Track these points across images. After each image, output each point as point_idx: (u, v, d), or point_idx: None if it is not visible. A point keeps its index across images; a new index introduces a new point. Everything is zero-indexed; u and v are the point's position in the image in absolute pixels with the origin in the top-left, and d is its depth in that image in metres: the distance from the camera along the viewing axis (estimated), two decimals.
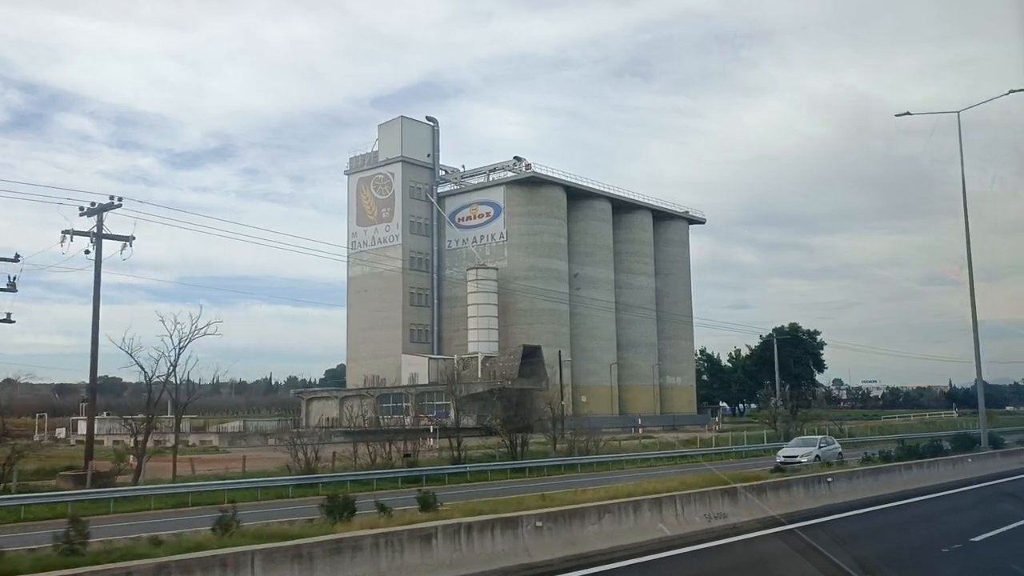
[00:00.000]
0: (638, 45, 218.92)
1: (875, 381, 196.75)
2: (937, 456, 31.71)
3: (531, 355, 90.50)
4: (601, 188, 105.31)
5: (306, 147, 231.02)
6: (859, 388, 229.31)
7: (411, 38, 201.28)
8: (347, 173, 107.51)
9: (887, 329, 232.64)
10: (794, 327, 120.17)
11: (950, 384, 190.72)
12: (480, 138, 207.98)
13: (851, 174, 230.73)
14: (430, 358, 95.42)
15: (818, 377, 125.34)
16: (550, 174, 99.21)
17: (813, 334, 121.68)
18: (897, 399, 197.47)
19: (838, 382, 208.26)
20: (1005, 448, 40.32)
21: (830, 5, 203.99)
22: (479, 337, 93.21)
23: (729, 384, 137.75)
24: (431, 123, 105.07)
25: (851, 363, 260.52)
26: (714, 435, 67.86)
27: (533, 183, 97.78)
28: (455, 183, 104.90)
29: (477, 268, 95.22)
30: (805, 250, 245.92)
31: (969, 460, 31.54)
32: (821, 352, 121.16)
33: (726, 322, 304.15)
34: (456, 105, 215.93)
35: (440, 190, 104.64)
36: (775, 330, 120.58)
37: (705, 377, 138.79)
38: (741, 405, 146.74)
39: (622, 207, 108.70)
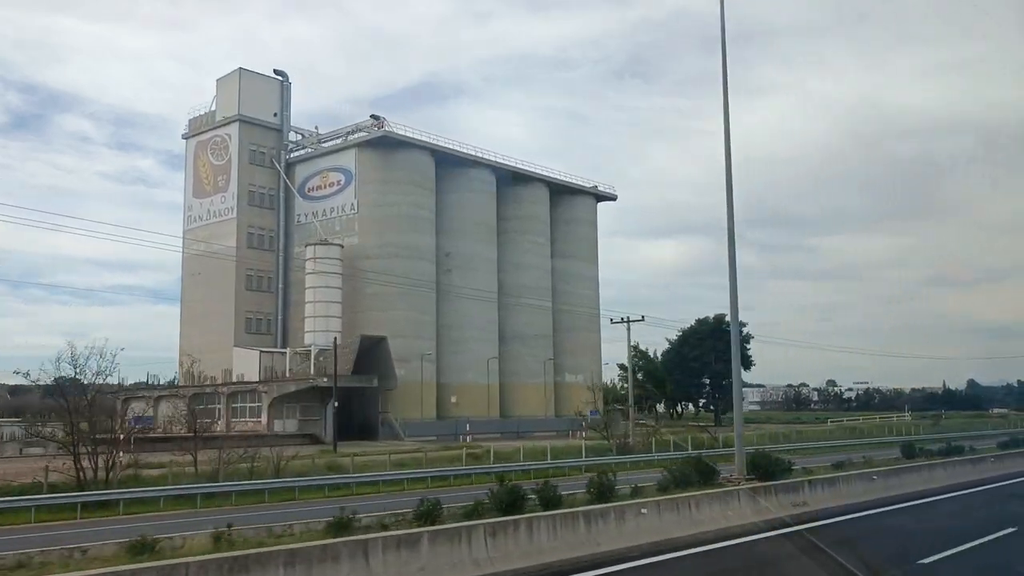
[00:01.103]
0: (637, 45, 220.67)
1: (867, 382, 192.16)
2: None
3: (373, 348, 75.63)
4: (481, 155, 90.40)
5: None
6: (828, 389, 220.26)
7: (410, 39, 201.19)
8: (185, 137, 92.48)
9: (887, 330, 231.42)
10: (719, 319, 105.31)
11: (944, 385, 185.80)
12: (480, 138, 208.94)
13: (851, 175, 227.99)
14: (262, 352, 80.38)
15: (745, 375, 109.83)
16: (411, 135, 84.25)
17: (739, 325, 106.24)
18: (871, 400, 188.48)
19: (832, 383, 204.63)
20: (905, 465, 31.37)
21: (830, 6, 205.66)
22: (316, 326, 78.13)
23: (664, 383, 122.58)
24: (280, 77, 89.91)
25: (850, 363, 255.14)
26: (550, 445, 53.00)
27: (389, 145, 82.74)
28: (312, 148, 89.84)
29: (315, 244, 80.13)
30: (805, 251, 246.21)
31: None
32: (748, 347, 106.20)
33: (655, 317, 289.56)
34: (456, 106, 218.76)
35: (292, 156, 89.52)
36: (698, 321, 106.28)
37: (640, 376, 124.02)
38: (680, 407, 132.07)
39: (509, 178, 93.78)
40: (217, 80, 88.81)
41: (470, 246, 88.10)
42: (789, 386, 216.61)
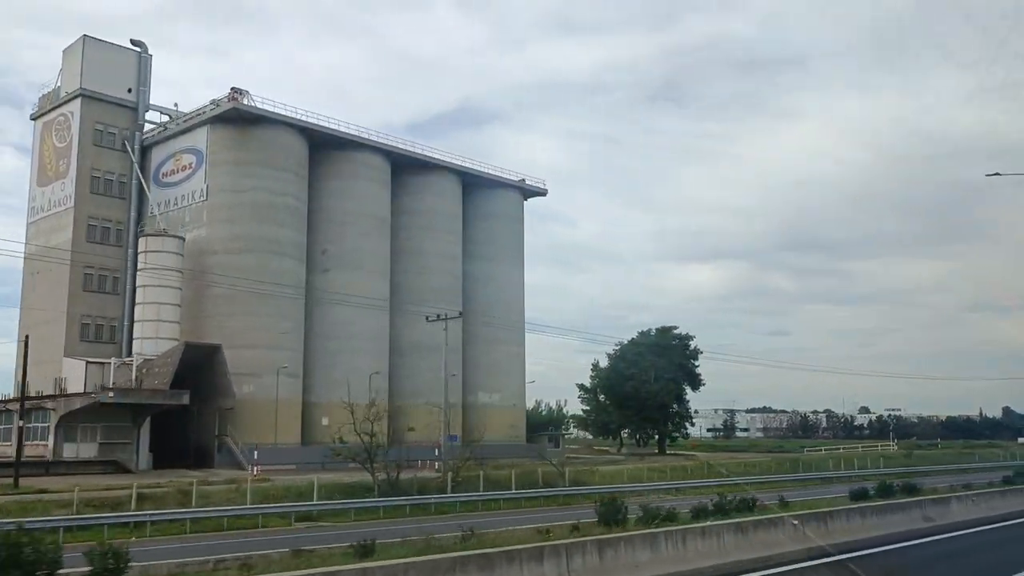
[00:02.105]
0: (672, 69, 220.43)
1: (899, 409, 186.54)
2: None
3: (206, 359, 62.96)
4: (371, 138, 77.90)
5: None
6: (842, 416, 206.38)
7: (445, 64, 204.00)
8: (32, 117, 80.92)
9: (926, 356, 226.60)
10: (664, 331, 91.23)
11: (981, 413, 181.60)
12: (514, 163, 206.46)
13: (889, 199, 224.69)
14: (88, 363, 67.99)
15: (691, 397, 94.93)
16: (275, 110, 71.98)
17: (684, 339, 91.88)
18: (885, 428, 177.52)
19: (864, 410, 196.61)
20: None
21: (868, 29, 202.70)
22: (146, 332, 65.76)
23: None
24: (136, 48, 78.14)
25: (889, 390, 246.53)
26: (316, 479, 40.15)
27: (246, 122, 70.50)
28: (169, 127, 77.67)
29: (149, 236, 67.86)
30: (842, 276, 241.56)
31: None
32: (695, 364, 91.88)
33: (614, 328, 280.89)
34: (490, 131, 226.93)
35: (147, 138, 77.50)
36: (641, 333, 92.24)
37: (602, 397, 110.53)
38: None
39: (409, 165, 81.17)
40: (63, 50, 77.28)
41: (355, 242, 75.35)
42: (795, 412, 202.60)
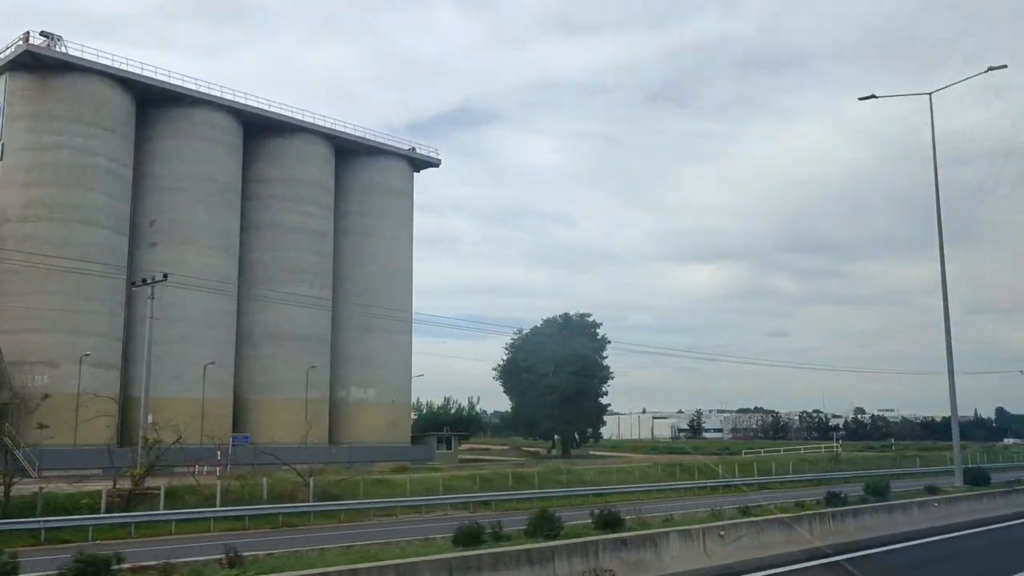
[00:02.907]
0: (672, 70, 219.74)
1: (892, 410, 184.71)
2: None
3: None
4: (213, 93, 67.79)
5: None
6: (816, 416, 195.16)
7: (445, 64, 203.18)
8: None
9: (927, 357, 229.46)
10: (567, 318, 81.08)
11: (975, 413, 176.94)
12: (515, 164, 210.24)
13: (891, 200, 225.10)
14: None
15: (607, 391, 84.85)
16: (90, 57, 61.86)
17: (592, 326, 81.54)
18: (861, 428, 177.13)
19: (860, 410, 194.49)
20: None
21: (868, 29, 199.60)
22: None
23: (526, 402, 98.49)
24: None
25: (883, 392, 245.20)
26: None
27: (51, 70, 60.30)
28: None
29: None
30: (844, 277, 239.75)
31: None
32: (603, 356, 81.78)
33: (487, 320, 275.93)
34: (491, 131, 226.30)
35: None
36: (545, 321, 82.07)
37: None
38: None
39: (268, 128, 71.15)
40: None
41: (192, 212, 65.29)
42: (758, 410, 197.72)
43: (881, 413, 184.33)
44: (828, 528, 18.99)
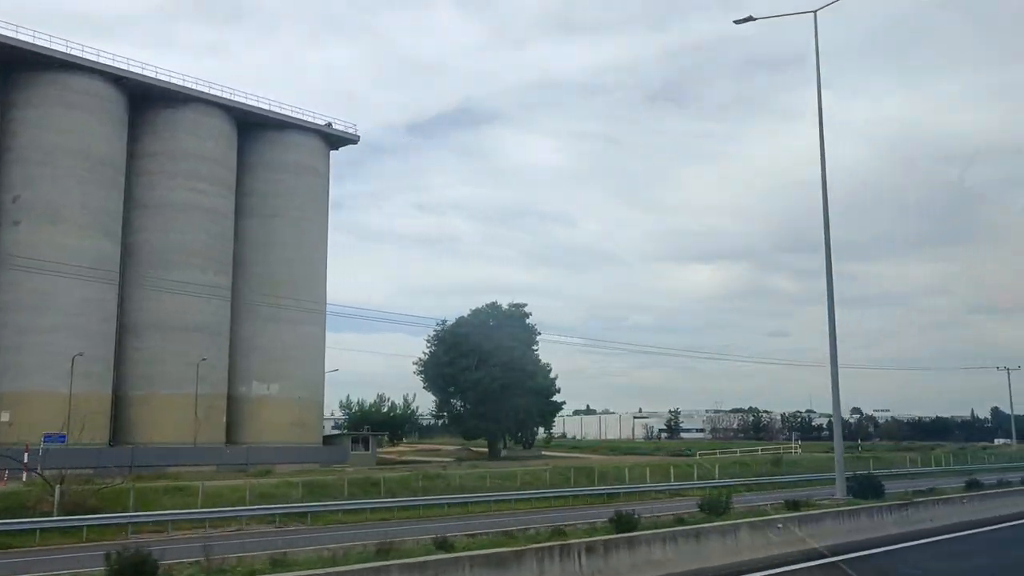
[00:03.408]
0: (672, 70, 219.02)
1: (888, 410, 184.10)
2: None
3: None
4: (88, 57, 61.43)
5: (342, 173, 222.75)
6: (797, 416, 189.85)
7: (445, 64, 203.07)
8: None
9: (928, 358, 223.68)
10: (495, 308, 74.75)
11: (972, 414, 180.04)
12: (515, 164, 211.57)
13: (892, 201, 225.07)
14: None
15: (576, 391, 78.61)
16: None
17: (523, 316, 75.20)
18: (847, 428, 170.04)
19: (856, 410, 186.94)
20: None
21: (870, 30, 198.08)
22: None
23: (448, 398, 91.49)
24: None
25: (882, 392, 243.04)
26: None
27: None
28: None
29: None
30: (845, 277, 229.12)
31: None
32: (534, 348, 75.53)
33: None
34: (491, 131, 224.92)
35: None
36: (474, 311, 75.77)
37: (451, 389, 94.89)
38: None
39: (157, 98, 64.84)
40: None
41: (63, 188, 58.95)
42: (752, 410, 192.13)
43: (877, 413, 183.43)
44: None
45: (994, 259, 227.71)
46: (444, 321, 74.07)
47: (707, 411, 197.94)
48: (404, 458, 78.25)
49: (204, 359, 63.25)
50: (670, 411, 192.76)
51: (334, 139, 75.58)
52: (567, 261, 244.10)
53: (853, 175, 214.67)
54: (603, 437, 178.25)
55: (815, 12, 28.73)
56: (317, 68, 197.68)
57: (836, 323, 26.67)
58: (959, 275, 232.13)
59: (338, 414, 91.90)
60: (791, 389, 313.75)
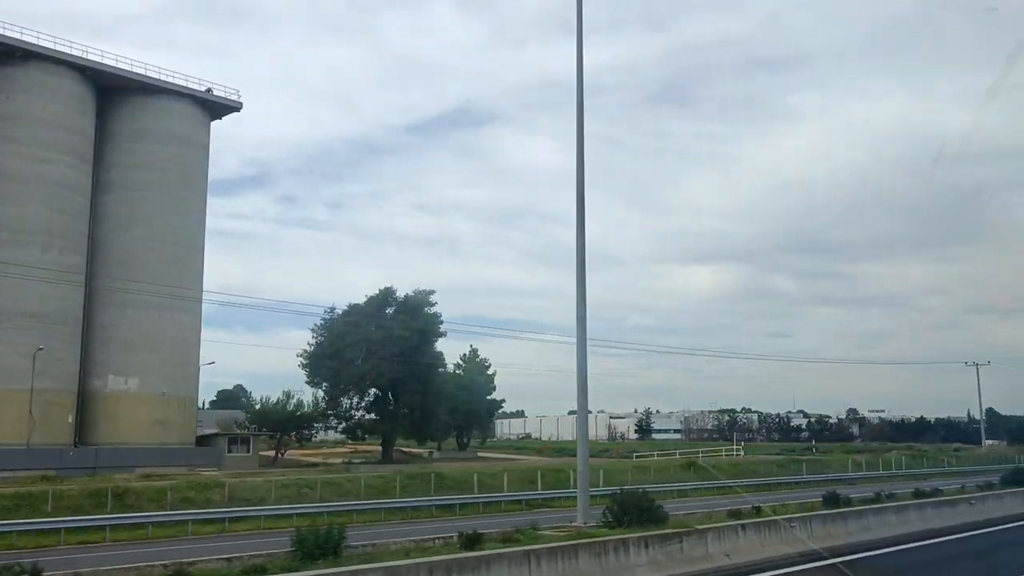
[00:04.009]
0: (673, 71, 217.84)
1: (883, 411, 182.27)
2: None
3: None
4: None
5: (342, 174, 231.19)
6: (776, 416, 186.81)
7: (445, 65, 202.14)
8: None
9: (928, 358, 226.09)
10: (388, 293, 67.04)
11: (968, 414, 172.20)
12: (515, 164, 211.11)
13: (891, 201, 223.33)
14: None
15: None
16: None
17: (425, 304, 67.46)
18: (824, 430, 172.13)
19: (852, 411, 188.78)
20: None
21: (870, 31, 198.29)
22: None
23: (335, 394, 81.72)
24: None
25: (880, 393, 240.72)
26: None
27: None
28: None
29: None
30: (845, 278, 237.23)
31: None
32: (434, 337, 67.78)
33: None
34: (491, 131, 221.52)
35: None
36: (369, 299, 68.16)
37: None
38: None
39: None
40: None
41: None
42: (746, 410, 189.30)
43: (872, 413, 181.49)
44: None
45: (993, 260, 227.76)
46: (333, 309, 66.30)
47: (708, 410, 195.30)
48: (311, 460, 70.81)
49: (41, 348, 55.66)
50: (637, 411, 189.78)
51: (215, 107, 67.97)
52: (567, 262, 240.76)
53: (852, 175, 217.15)
54: (559, 438, 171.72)
55: None
56: (317, 68, 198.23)
57: (587, 317, 19.40)
58: (958, 276, 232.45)
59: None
60: (794, 390, 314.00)
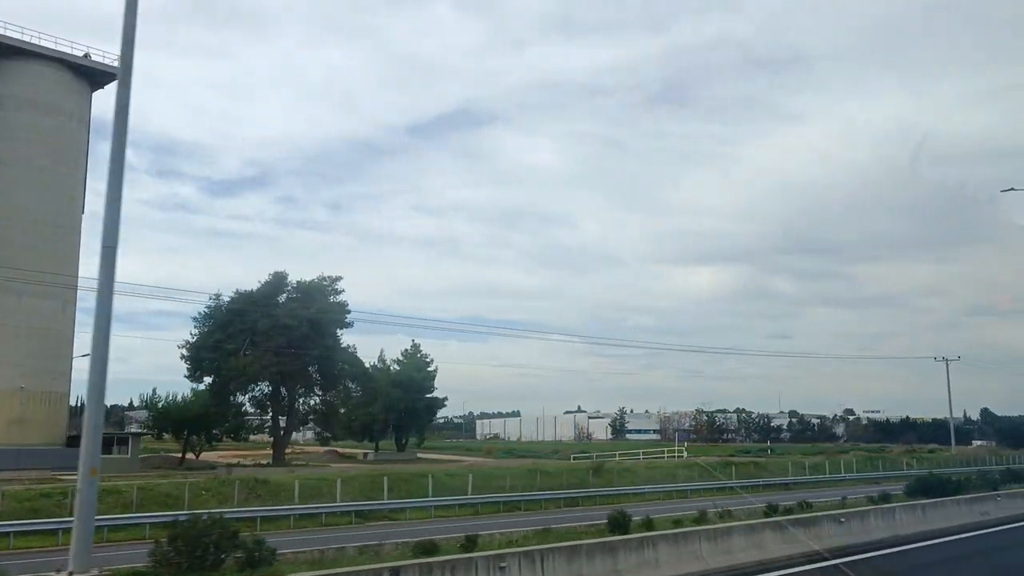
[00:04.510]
0: (673, 71, 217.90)
1: (879, 411, 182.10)
2: None
3: None
4: None
5: (342, 175, 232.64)
6: (757, 417, 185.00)
7: (445, 66, 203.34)
8: None
9: (929, 359, 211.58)
10: (279, 279, 60.79)
11: (964, 415, 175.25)
12: (515, 165, 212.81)
13: (892, 202, 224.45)
14: None
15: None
16: None
17: (329, 292, 61.08)
18: (805, 431, 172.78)
19: (849, 411, 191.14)
20: None
21: (869, 32, 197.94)
22: None
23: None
24: None
25: (880, 394, 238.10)
26: None
27: None
28: None
29: None
30: (845, 279, 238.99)
31: None
32: (338, 328, 61.63)
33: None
34: (491, 132, 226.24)
35: None
36: (263, 284, 61.99)
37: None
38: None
39: None
40: None
41: None
42: (738, 411, 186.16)
43: (867, 414, 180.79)
44: None
45: (993, 261, 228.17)
46: (219, 296, 59.93)
47: (707, 410, 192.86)
48: (226, 461, 64.53)
49: None
50: (596, 411, 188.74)
51: (93, 74, 61.80)
52: (568, 263, 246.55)
53: (852, 176, 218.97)
54: (557, 439, 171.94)
55: None
56: (317, 69, 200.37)
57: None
58: (959, 277, 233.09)
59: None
60: (793, 390, 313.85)
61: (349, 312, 62.86)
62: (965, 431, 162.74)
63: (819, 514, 21.81)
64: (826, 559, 16.28)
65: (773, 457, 74.26)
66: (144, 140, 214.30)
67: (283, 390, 59.80)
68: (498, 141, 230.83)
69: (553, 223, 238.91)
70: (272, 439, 62.05)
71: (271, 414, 59.18)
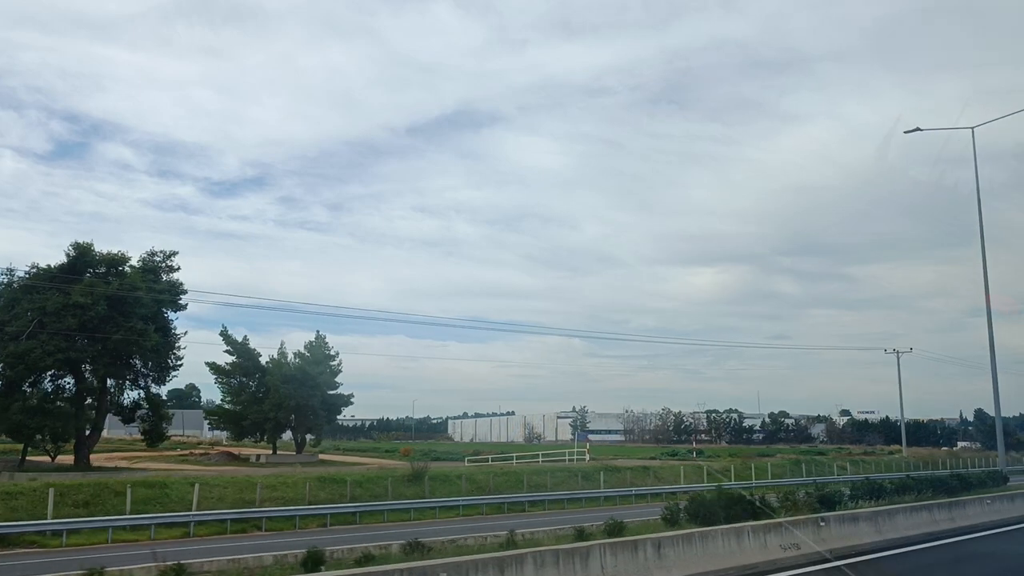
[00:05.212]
0: (673, 72, 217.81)
1: (874, 411, 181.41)
2: None
3: None
4: None
5: (342, 175, 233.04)
6: (729, 417, 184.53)
7: (445, 66, 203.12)
8: None
9: (931, 360, 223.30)
10: (86, 249, 51.29)
11: (961, 416, 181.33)
12: (516, 166, 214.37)
13: (892, 203, 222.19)
14: None
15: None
16: None
17: (161, 266, 51.92)
18: (779, 431, 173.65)
19: (845, 412, 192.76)
20: None
21: (870, 32, 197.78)
22: None
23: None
24: None
25: (879, 394, 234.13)
26: None
27: None
28: None
29: None
30: (846, 280, 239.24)
31: None
32: (173, 323, 52.84)
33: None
34: (491, 133, 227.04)
35: None
36: (71, 258, 52.18)
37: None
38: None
39: None
40: None
41: None
42: (731, 411, 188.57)
43: (863, 415, 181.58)
44: None
45: (995, 263, 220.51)
46: (11, 271, 50.10)
47: (625, 411, 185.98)
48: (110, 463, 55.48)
49: None
50: (559, 411, 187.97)
51: None
52: (569, 264, 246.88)
53: (852, 177, 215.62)
54: (540, 441, 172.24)
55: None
56: (316, 69, 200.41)
57: None
58: (961, 278, 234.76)
59: None
60: (793, 391, 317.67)
61: (185, 293, 53.62)
62: (955, 432, 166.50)
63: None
64: None
65: (682, 460, 65.61)
66: (144, 140, 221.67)
67: (95, 381, 50.51)
68: (498, 142, 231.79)
69: (554, 224, 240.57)
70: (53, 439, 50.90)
71: (74, 409, 49.79)
